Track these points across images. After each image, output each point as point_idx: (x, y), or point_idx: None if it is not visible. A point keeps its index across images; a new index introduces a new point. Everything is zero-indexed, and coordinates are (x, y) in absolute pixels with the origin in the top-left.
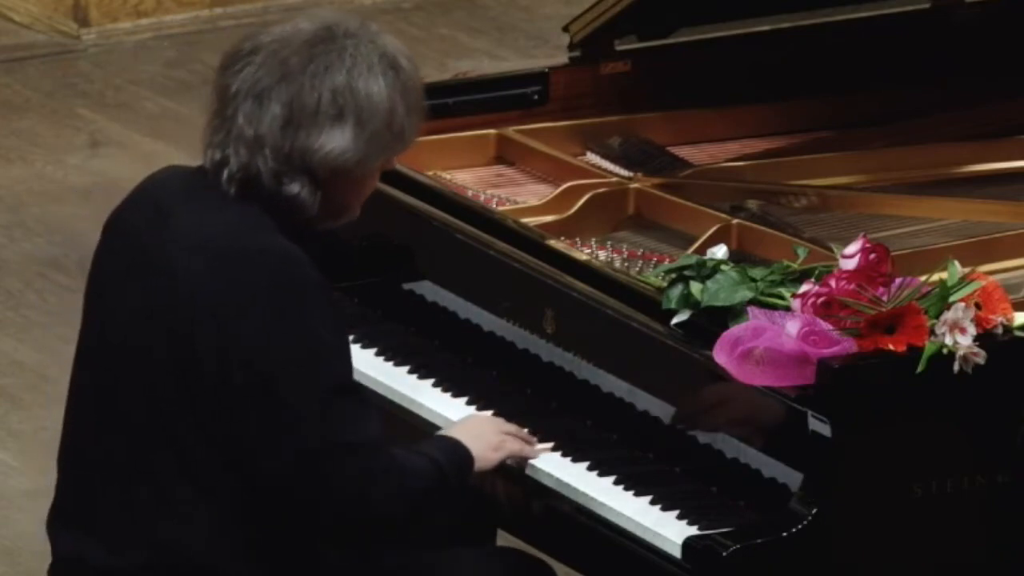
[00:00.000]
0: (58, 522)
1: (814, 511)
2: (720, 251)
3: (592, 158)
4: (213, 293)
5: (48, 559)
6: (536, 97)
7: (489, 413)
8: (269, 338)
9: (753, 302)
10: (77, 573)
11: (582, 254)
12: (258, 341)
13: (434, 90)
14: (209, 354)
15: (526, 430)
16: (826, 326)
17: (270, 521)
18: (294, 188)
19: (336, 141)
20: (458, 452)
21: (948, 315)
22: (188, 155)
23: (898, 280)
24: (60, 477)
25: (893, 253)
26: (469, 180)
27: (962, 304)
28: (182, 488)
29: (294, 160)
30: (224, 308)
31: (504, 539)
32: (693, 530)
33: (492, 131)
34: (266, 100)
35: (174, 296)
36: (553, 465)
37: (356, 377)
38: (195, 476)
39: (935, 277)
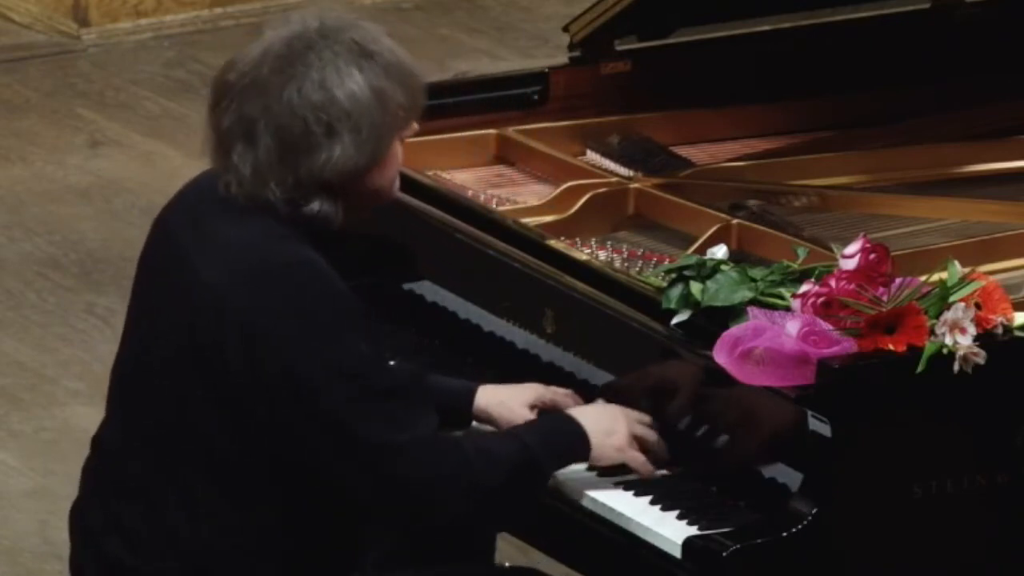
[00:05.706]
0: (80, 516)
1: (814, 511)
2: (720, 251)
3: (592, 158)
4: (239, 308)
5: (47, 559)
6: (536, 97)
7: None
8: (305, 354)
9: (753, 302)
10: (98, 567)
11: (582, 254)
12: (293, 357)
13: (434, 90)
14: (239, 366)
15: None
16: (826, 326)
17: (297, 537)
18: (313, 208)
19: (337, 152)
20: (561, 433)
21: (948, 315)
22: (188, 155)
23: (898, 280)
24: (86, 473)
25: (893, 253)
26: (469, 180)
27: (962, 304)
28: (212, 497)
29: (304, 184)
30: (252, 323)
31: (503, 539)
32: (693, 530)
33: (492, 131)
34: (254, 136)
35: (199, 305)
36: None
37: None
38: (225, 485)
39: (935, 277)
